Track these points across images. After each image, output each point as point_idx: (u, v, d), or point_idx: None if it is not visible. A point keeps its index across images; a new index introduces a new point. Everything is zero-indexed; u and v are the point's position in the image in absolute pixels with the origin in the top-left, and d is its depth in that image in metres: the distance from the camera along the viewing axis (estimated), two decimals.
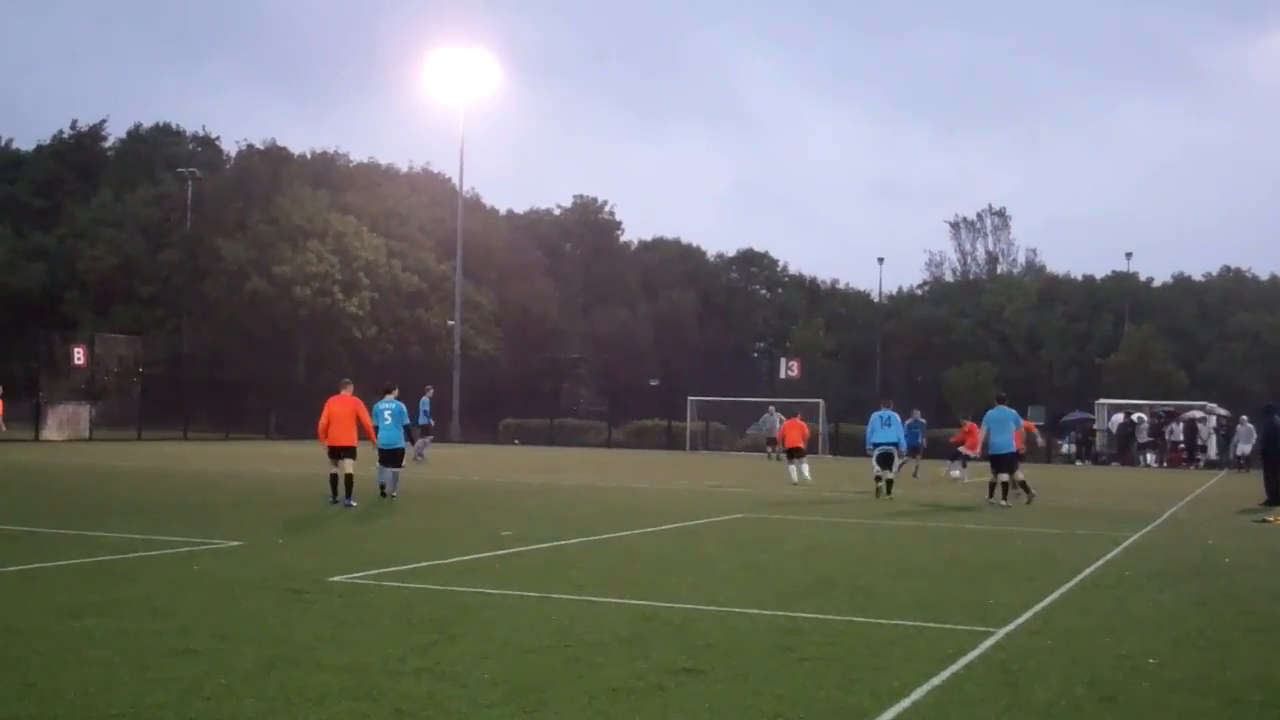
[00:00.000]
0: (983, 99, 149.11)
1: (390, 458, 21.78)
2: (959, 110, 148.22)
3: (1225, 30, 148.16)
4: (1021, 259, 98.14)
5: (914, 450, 33.65)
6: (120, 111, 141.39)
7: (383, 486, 21.68)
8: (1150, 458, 51.03)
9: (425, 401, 38.25)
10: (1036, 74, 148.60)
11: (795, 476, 30.71)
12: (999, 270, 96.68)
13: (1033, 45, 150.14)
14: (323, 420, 20.99)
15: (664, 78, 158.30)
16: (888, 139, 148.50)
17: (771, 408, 49.77)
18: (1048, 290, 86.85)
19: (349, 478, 20.34)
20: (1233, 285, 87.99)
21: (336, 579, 11.44)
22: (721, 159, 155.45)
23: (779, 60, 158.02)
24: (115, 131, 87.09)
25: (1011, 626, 9.80)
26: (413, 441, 22.01)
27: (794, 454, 31.61)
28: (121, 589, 10.66)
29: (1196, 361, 75.76)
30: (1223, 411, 54.20)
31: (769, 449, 45.11)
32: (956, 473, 33.70)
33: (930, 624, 9.85)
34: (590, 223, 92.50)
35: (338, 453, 20.61)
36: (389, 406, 21.91)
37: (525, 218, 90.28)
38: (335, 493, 20.49)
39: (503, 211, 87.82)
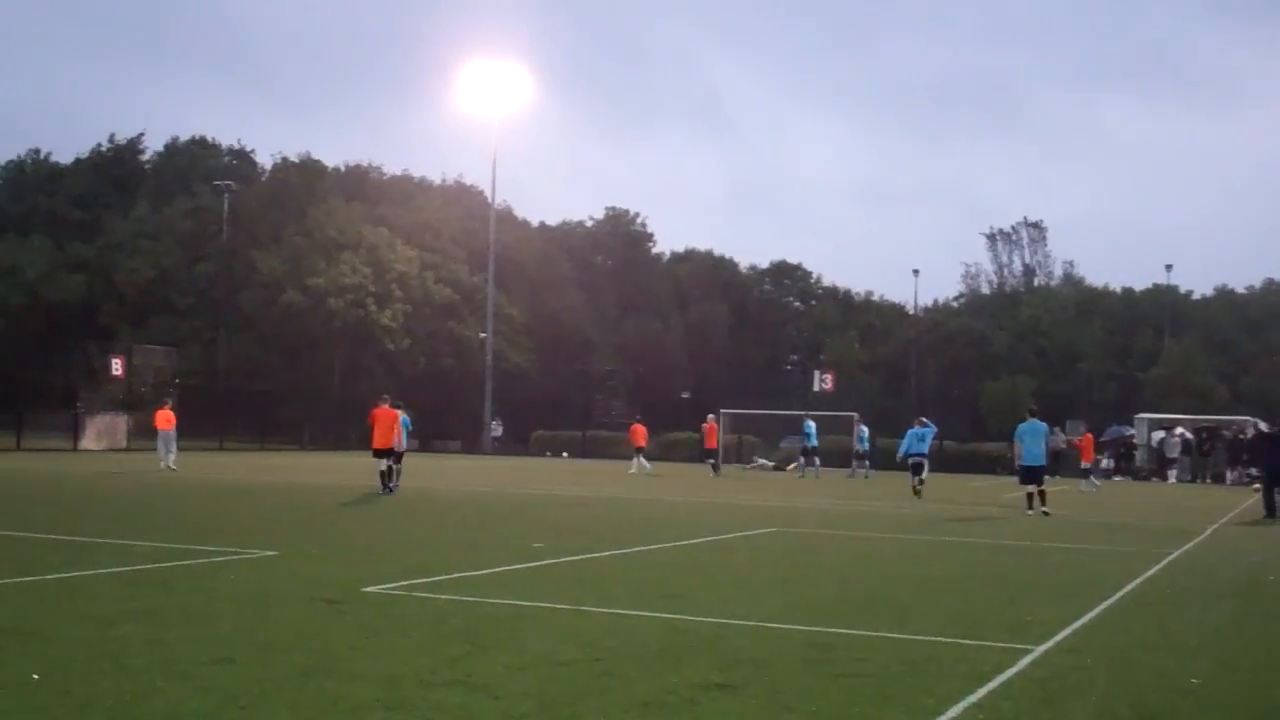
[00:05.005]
0: (991, 107, 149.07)
1: (397, 457, 26.73)
2: (975, 118, 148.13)
3: (1261, 39, 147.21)
4: (1059, 271, 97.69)
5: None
6: (157, 125, 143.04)
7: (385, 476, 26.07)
8: (1230, 474, 49.68)
9: (864, 429, 44.50)
10: (1056, 82, 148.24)
11: (632, 468, 40.81)
12: (1036, 283, 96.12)
13: (1054, 57, 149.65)
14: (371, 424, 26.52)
15: (660, 86, 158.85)
16: (882, 147, 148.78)
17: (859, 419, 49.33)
18: (1086, 303, 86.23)
19: (383, 474, 25.63)
20: (1275, 298, 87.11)
21: (370, 589, 11.44)
22: (726, 168, 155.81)
23: (778, 72, 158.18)
24: (152, 145, 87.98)
25: (1050, 644, 9.68)
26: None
27: (639, 451, 41.89)
28: (158, 598, 10.69)
29: (1239, 375, 75.00)
30: (1264, 426, 53.52)
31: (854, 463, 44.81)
32: (1087, 487, 37.27)
33: (967, 641, 9.75)
34: (622, 234, 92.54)
35: (381, 453, 25.87)
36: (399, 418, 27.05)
37: (557, 230, 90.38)
38: (385, 484, 25.55)
39: (535, 224, 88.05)
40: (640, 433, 43.20)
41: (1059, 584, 13.84)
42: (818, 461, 42.87)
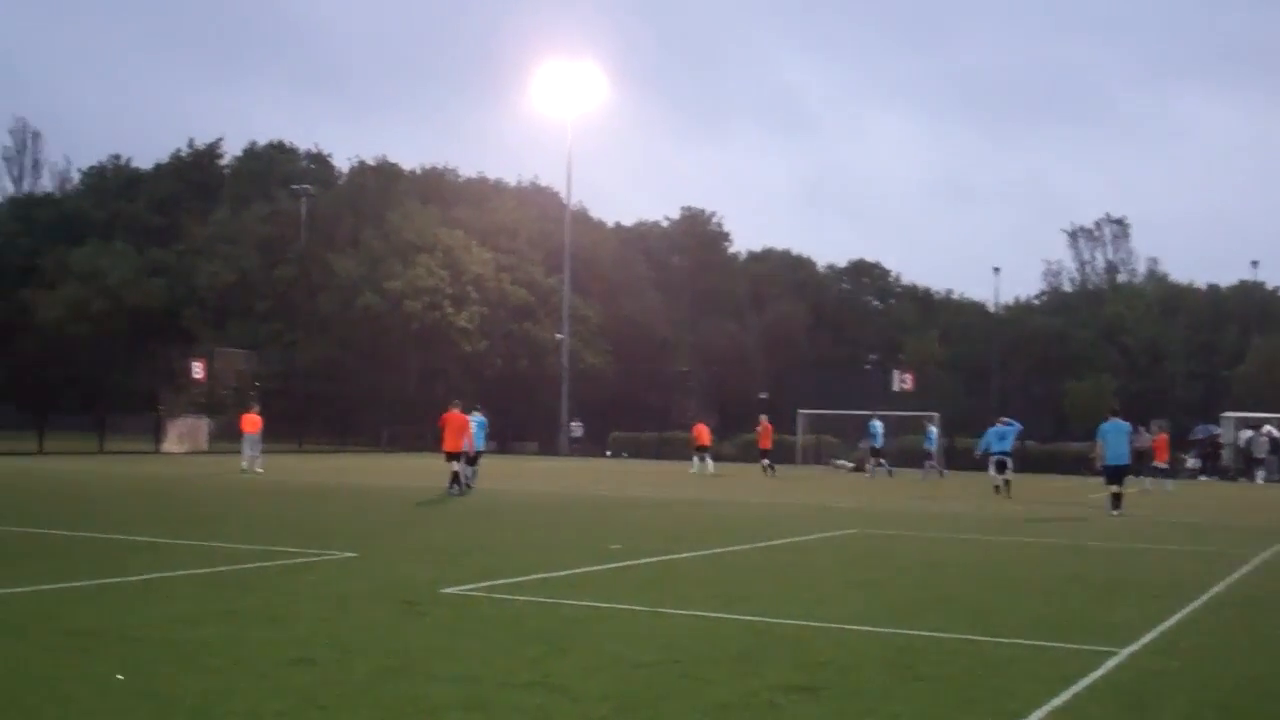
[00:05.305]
0: (1070, 102, 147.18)
1: (472, 459, 27.91)
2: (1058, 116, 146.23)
3: None
4: (1142, 268, 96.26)
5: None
6: (235, 131, 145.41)
7: (464, 479, 26.96)
8: None
9: (933, 429, 44.67)
10: (1136, 76, 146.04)
11: (708, 469, 40.32)
12: (1119, 280, 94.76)
13: (1134, 50, 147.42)
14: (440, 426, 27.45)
15: (733, 85, 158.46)
16: (959, 143, 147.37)
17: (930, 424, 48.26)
18: (1170, 300, 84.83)
19: (456, 474, 26.48)
20: None
21: (448, 591, 11.48)
22: (802, 166, 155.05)
23: (851, 68, 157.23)
24: (231, 150, 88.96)
25: (1136, 646, 9.51)
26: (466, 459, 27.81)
27: (702, 450, 41.45)
28: (239, 599, 10.80)
29: None
30: None
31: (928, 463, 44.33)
32: (1154, 485, 37.27)
33: (1051, 643, 9.61)
34: (698, 234, 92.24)
35: (452, 456, 26.65)
36: (475, 419, 28.27)
37: (633, 230, 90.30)
38: (456, 484, 26.28)
39: (610, 224, 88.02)
40: (704, 432, 42.97)
41: (1144, 585, 13.61)
42: (884, 462, 42.67)
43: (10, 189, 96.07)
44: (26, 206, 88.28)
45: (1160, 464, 39.36)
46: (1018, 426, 32.93)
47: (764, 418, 43.38)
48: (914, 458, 45.61)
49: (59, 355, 62.83)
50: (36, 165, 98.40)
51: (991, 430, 32.24)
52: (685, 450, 60.37)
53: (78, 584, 11.49)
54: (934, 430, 45.14)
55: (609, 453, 61.82)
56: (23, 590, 10.96)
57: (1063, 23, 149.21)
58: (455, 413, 27.48)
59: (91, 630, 9.04)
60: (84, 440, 46.07)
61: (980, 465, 33.13)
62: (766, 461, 41.80)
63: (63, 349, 65.27)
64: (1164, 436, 41.05)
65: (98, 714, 6.66)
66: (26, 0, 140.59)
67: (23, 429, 45.82)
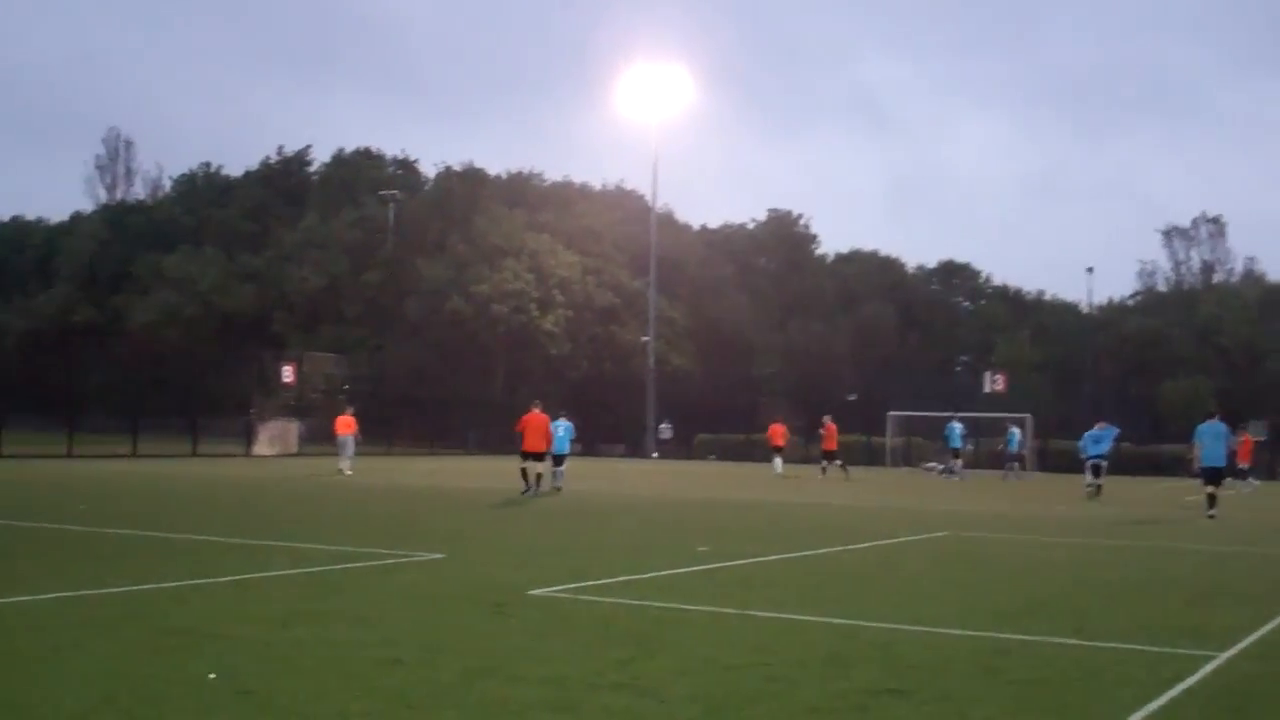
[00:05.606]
0: (1163, 98, 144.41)
1: (559, 460, 28.38)
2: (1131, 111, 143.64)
3: None
4: (1239, 268, 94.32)
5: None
6: (324, 137, 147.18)
7: (541, 479, 27.05)
8: None
9: (1015, 431, 44.93)
10: (1230, 71, 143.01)
11: (780, 469, 40.78)
12: (1215, 280, 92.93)
13: (1226, 44, 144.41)
14: (519, 430, 27.44)
15: (818, 85, 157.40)
16: (1049, 141, 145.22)
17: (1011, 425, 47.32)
18: (1269, 300, 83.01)
19: (539, 475, 26.72)
20: None
21: (536, 592, 11.50)
22: (889, 167, 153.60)
23: (937, 67, 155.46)
24: (319, 157, 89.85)
25: (1234, 650, 9.30)
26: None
27: (777, 451, 42.09)
28: (329, 599, 10.89)
29: None
30: None
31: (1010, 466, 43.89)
32: (1245, 488, 36.97)
33: (1147, 647, 9.42)
34: (784, 236, 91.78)
35: (530, 456, 26.81)
36: (562, 424, 28.67)
37: (719, 232, 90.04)
38: (528, 485, 26.41)
39: (696, 227, 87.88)
40: (779, 433, 42.73)
41: (1242, 588, 13.32)
42: (951, 462, 42.32)
43: (103, 197, 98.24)
44: (119, 214, 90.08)
45: (1243, 465, 38.79)
46: (1114, 430, 32.82)
47: (827, 418, 42.12)
48: (993, 461, 45.20)
49: (151, 360, 63.92)
50: (129, 173, 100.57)
51: (1088, 434, 32.32)
52: (770, 452, 60.47)
53: (170, 584, 11.66)
54: (1016, 432, 44.70)
55: (655, 455, 61.79)
56: (116, 590, 11.14)
57: (1155, 18, 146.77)
58: (536, 413, 27.54)
59: (184, 630, 9.16)
60: (176, 443, 46.83)
61: (1076, 467, 32.92)
62: (839, 462, 40.77)
63: (155, 354, 66.44)
64: (1248, 439, 40.51)
65: (190, 713, 6.73)
66: (120, 11, 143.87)
67: (117, 433, 46.67)
